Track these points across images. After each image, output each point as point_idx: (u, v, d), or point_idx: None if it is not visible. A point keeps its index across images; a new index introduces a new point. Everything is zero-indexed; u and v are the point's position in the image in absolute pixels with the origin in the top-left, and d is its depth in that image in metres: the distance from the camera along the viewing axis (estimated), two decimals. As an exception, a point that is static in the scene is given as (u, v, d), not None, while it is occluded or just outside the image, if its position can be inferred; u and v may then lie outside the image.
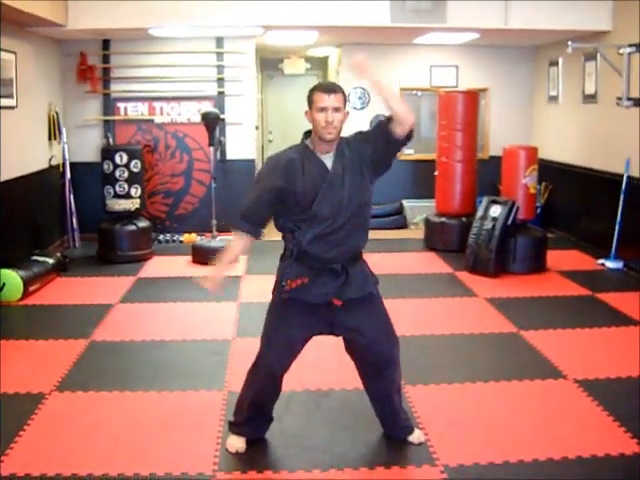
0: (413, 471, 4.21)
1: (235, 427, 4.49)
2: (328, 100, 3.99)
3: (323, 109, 3.98)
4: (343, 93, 4.07)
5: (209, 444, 4.47)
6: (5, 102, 8.31)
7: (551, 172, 11.08)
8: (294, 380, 5.34)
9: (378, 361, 4.36)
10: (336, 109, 3.99)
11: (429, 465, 4.25)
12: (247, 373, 4.46)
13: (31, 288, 7.82)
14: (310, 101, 4.07)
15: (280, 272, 4.21)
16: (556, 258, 9.26)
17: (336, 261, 4.13)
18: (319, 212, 4.03)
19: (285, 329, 4.25)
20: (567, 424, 4.78)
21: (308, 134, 4.22)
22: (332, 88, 4.06)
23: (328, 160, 4.12)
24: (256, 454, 4.37)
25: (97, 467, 4.19)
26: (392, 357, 4.40)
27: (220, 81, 10.82)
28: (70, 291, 8.11)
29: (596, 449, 4.41)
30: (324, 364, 5.81)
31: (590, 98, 10.11)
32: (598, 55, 9.51)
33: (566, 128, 10.95)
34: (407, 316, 7.12)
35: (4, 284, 7.55)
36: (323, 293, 4.13)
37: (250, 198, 4.16)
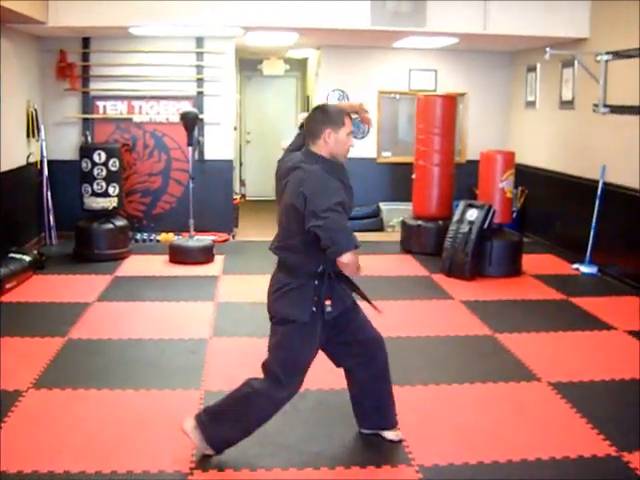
0: (389, 471, 4.25)
1: (217, 446, 4.33)
2: (351, 125, 4.17)
3: (349, 134, 4.14)
4: None
5: (186, 442, 4.48)
6: (-16, 98, 8.30)
7: (527, 177, 11.17)
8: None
9: (370, 340, 4.53)
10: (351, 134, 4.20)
11: (405, 465, 4.29)
12: (250, 405, 4.27)
13: (7, 285, 7.80)
14: (339, 122, 4.11)
15: (310, 292, 4.10)
16: (531, 262, 9.34)
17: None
18: None
19: (311, 351, 4.26)
20: (541, 426, 4.84)
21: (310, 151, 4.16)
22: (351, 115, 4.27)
23: None
24: (233, 452, 4.39)
25: (74, 464, 4.20)
26: (382, 340, 4.63)
27: (199, 81, 10.83)
28: (47, 289, 8.10)
29: (569, 451, 4.47)
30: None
31: (567, 104, 10.20)
32: (575, 62, 9.60)
33: (543, 133, 11.04)
34: (383, 318, 7.06)
35: (-20, 281, 7.54)
36: (344, 304, 4.28)
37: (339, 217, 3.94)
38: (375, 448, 4.52)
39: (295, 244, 4.10)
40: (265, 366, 4.25)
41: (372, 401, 4.59)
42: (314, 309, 4.09)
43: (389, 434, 4.59)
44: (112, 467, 4.18)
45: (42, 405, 5.08)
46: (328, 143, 4.07)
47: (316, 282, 4.09)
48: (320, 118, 4.13)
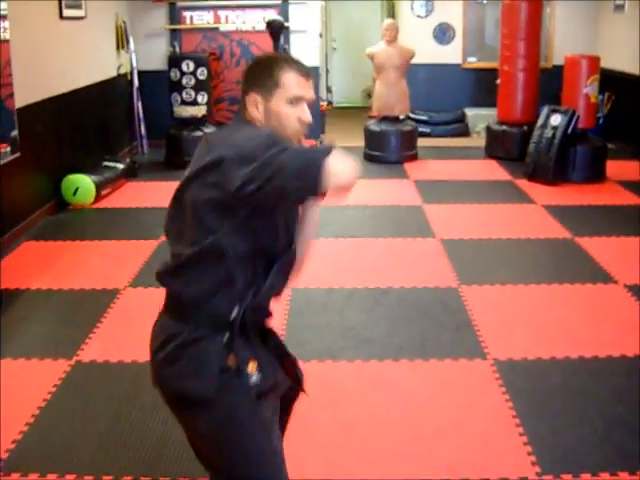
0: (465, 364, 4.46)
1: None
2: (307, 87, 2.44)
3: (299, 99, 2.40)
4: None
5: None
6: (75, 13, 8.52)
7: (615, 82, 11.01)
8: (355, 278, 5.65)
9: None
10: (309, 103, 2.47)
11: (480, 359, 4.50)
12: None
13: (103, 192, 8.15)
14: (271, 81, 2.39)
15: (217, 348, 2.31)
16: (616, 168, 9.29)
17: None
18: (296, 253, 2.47)
19: (265, 440, 2.40)
20: (614, 325, 4.98)
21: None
22: (308, 70, 2.47)
23: None
24: (318, 346, 4.64)
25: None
26: None
27: (285, -11, 10.92)
28: (140, 195, 8.41)
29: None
30: (382, 264, 6.08)
31: (656, 6, 10.01)
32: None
33: (631, 38, 10.85)
34: (465, 220, 7.31)
35: (78, 188, 7.87)
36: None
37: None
38: (452, 343, 4.74)
39: (194, 263, 2.35)
40: None
41: None
42: (228, 372, 2.31)
43: None
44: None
45: (138, 302, 5.40)
46: (259, 113, 2.41)
47: (227, 335, 2.31)
48: (246, 74, 2.48)
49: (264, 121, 2.38)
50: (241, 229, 2.27)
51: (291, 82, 2.38)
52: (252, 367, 2.32)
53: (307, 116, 2.41)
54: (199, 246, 2.30)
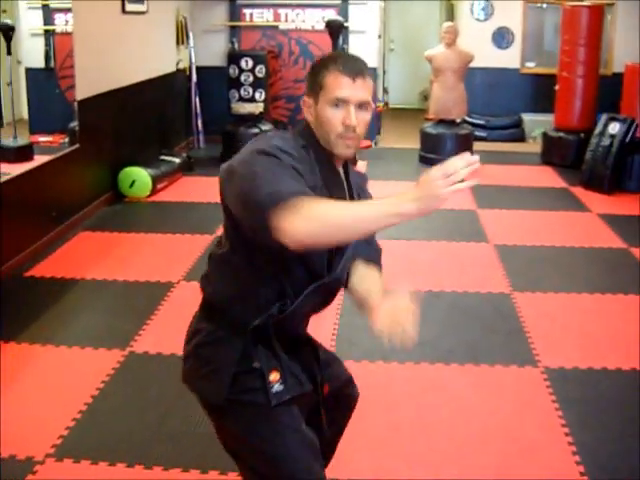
0: (515, 370, 4.45)
1: None
2: (352, 88, 2.26)
3: (342, 101, 2.24)
4: (371, 76, 2.33)
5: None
6: (137, 7, 8.60)
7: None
8: (407, 280, 5.61)
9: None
10: (362, 105, 2.28)
11: (531, 366, 4.48)
12: None
13: (159, 185, 8.22)
14: (316, 84, 2.30)
15: (234, 353, 2.33)
16: (674, 179, 9.16)
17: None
18: (337, 281, 2.45)
19: (298, 432, 2.36)
20: (668, 337, 4.92)
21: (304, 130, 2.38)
22: (359, 68, 2.29)
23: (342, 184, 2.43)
24: (369, 345, 4.65)
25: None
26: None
27: (345, -11, 10.93)
28: (195, 189, 8.48)
29: (695, 362, 4.56)
30: (435, 267, 6.08)
31: None
32: None
33: (694, 46, 10.71)
34: (519, 226, 7.29)
35: (134, 181, 7.96)
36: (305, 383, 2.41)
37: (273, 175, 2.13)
38: (503, 349, 4.74)
39: (219, 267, 2.44)
40: None
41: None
42: (250, 384, 2.32)
43: None
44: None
45: (192, 295, 5.41)
46: (312, 117, 2.34)
47: (246, 342, 2.32)
48: (306, 76, 2.41)
49: (315, 125, 2.31)
50: (249, 243, 2.25)
51: (333, 83, 2.25)
52: (274, 377, 2.30)
53: (350, 119, 2.23)
54: (221, 251, 2.39)
